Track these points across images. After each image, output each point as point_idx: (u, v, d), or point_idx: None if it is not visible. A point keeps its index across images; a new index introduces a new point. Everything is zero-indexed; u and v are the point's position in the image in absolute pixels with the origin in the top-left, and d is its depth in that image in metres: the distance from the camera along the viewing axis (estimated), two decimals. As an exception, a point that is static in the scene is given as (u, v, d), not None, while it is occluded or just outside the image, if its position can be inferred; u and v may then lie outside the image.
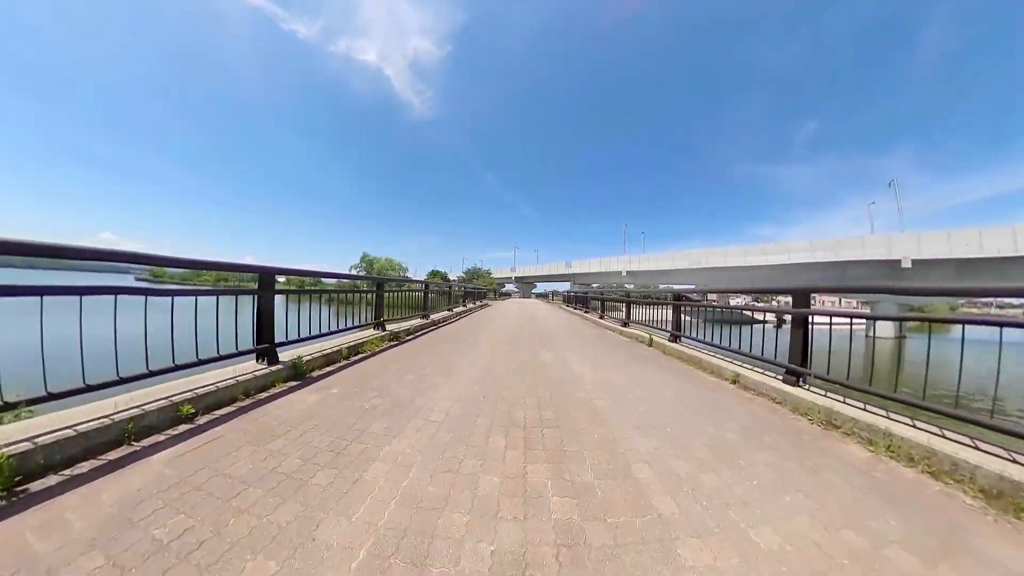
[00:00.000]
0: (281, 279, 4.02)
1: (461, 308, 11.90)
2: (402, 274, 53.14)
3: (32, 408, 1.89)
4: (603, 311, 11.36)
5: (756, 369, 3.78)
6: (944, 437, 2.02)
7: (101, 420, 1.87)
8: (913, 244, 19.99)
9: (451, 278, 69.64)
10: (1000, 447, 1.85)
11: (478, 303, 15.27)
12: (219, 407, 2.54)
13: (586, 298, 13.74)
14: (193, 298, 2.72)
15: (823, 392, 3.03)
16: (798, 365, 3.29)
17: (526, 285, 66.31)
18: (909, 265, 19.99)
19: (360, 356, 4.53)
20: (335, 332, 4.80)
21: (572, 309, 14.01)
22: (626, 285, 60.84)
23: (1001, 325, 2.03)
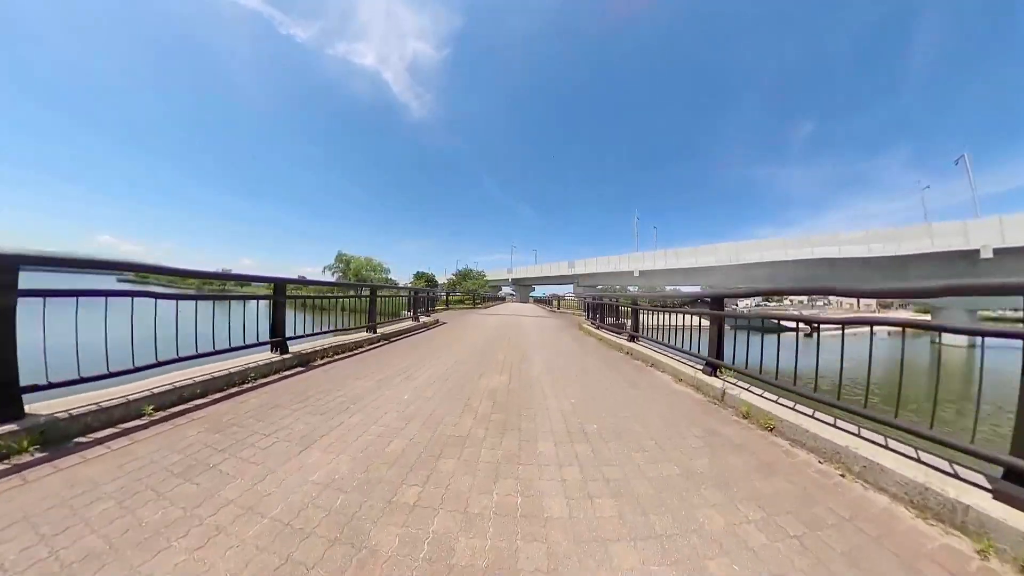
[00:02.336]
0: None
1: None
2: (385, 276, 51.52)
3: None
4: (601, 320, 9.19)
5: (891, 445, 2.01)
6: None
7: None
8: (994, 230, 18.25)
9: (440, 281, 68.13)
10: None
11: (415, 320, 8.78)
12: None
13: (611, 308, 8.61)
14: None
15: None
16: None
17: (523, 288, 64.61)
18: (990, 255, 18.24)
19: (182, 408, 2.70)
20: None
21: (613, 336, 7.50)
22: (629, 288, 58.62)
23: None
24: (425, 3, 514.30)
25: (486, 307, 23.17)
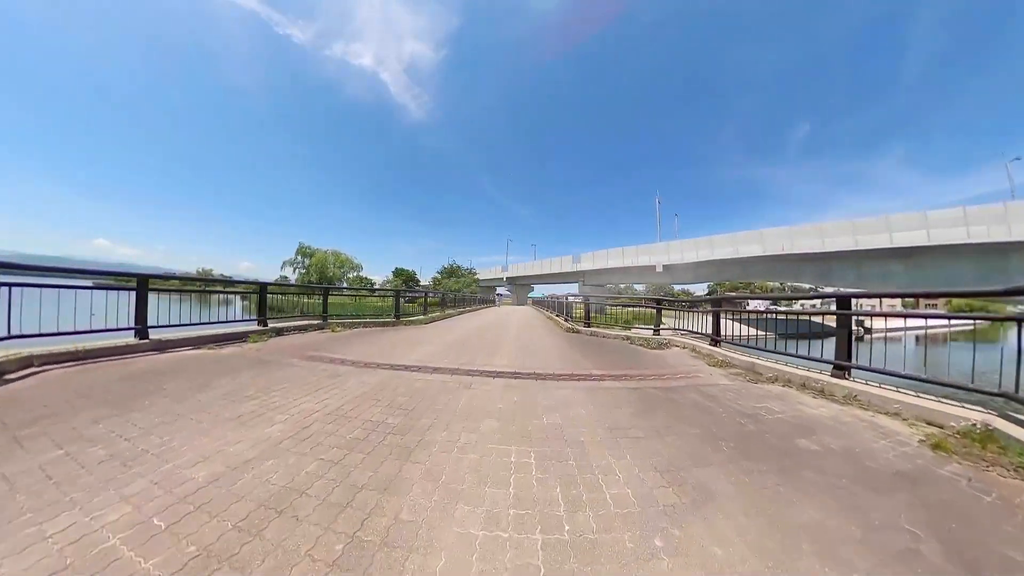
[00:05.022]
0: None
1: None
2: (357, 274, 46.79)
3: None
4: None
5: None
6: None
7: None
8: None
9: (423, 282, 63.50)
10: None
11: None
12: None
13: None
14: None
15: None
16: None
17: (521, 288, 60.37)
18: None
19: None
20: None
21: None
22: (635, 286, 54.33)
23: None
24: (423, 4, 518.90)
25: (428, 322, 11.78)
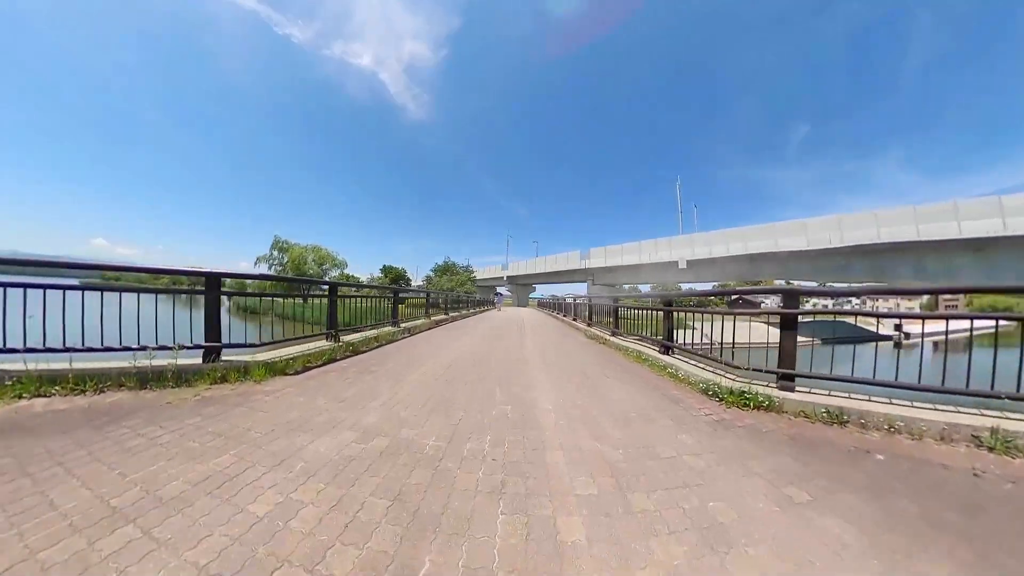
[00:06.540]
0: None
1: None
2: (342, 272, 43.51)
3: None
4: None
5: None
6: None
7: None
8: None
9: (416, 281, 60.39)
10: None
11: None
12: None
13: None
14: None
15: None
16: None
17: (522, 288, 57.76)
18: None
19: None
20: None
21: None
22: (640, 287, 52.16)
23: None
24: (422, 3, 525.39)
25: (308, 368, 4.69)
